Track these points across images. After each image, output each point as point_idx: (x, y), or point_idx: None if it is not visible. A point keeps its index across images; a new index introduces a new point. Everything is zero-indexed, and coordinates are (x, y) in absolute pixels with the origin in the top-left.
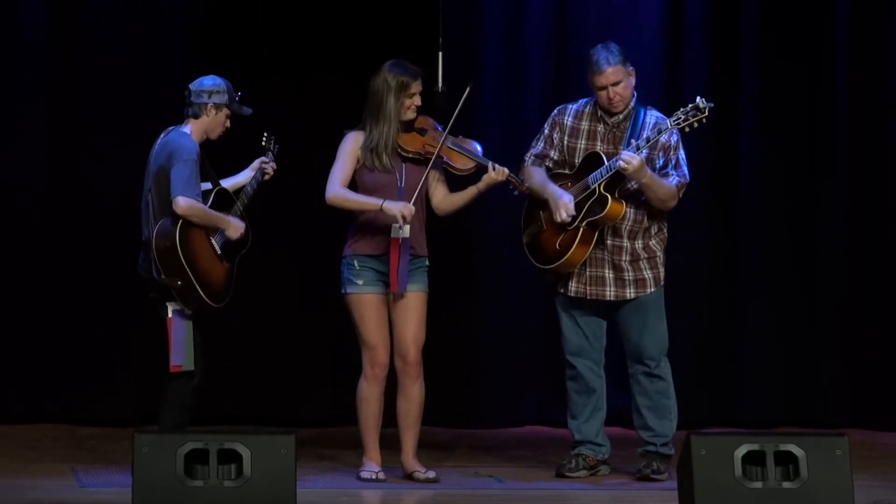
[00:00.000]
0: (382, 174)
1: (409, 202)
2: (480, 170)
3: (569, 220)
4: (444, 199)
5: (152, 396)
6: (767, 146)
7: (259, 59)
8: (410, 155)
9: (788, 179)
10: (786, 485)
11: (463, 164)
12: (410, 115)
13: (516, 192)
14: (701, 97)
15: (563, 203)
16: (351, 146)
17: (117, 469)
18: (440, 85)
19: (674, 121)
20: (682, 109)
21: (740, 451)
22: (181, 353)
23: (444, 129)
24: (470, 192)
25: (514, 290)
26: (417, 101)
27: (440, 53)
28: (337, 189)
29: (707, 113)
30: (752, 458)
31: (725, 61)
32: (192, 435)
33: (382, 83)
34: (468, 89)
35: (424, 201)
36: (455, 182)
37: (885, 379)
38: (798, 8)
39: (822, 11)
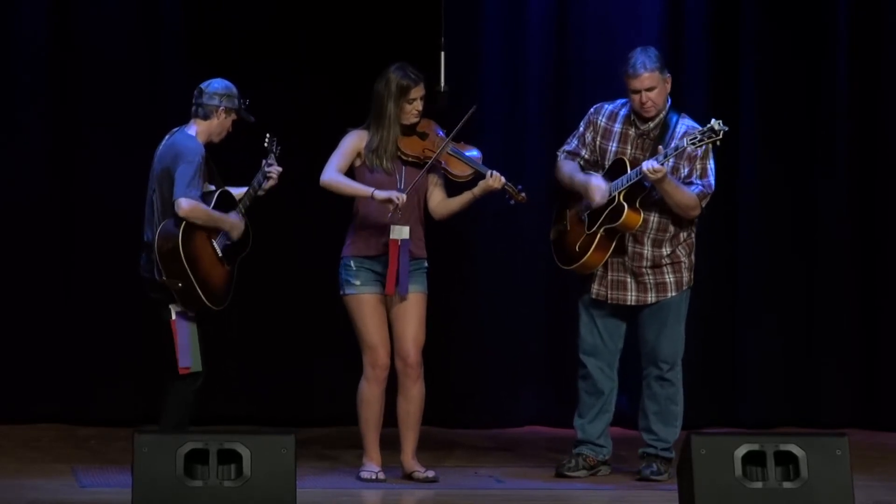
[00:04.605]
0: (382, 175)
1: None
2: (478, 177)
3: (604, 202)
4: (440, 203)
5: (152, 396)
6: (767, 146)
7: (259, 59)
8: (410, 159)
9: (788, 180)
10: (786, 485)
11: (461, 170)
12: (412, 119)
13: (512, 202)
14: (717, 120)
15: (593, 186)
16: (351, 143)
17: (117, 469)
18: (442, 85)
19: (689, 139)
20: (698, 129)
21: (740, 451)
22: (188, 354)
23: (445, 135)
24: (465, 197)
25: (513, 289)
26: (418, 105)
27: (442, 53)
28: (332, 174)
29: (721, 136)
30: (753, 458)
31: (725, 62)
32: (192, 435)
33: (384, 87)
34: (473, 109)
35: (422, 204)
36: (453, 187)
37: (885, 379)
38: (798, 8)
39: (822, 12)
